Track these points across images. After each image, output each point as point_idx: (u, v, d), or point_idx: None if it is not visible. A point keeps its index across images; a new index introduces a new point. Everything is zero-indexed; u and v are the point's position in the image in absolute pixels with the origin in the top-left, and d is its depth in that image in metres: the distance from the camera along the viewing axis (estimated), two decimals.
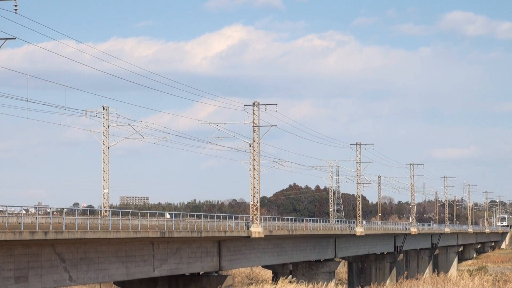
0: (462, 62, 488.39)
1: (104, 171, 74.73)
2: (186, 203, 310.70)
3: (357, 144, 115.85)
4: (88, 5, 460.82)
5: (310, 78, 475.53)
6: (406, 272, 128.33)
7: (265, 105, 79.01)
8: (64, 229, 51.98)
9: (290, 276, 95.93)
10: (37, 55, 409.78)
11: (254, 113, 78.77)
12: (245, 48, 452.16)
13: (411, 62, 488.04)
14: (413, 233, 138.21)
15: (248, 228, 77.68)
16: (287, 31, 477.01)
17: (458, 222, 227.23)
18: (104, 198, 74.44)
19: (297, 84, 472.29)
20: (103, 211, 69.93)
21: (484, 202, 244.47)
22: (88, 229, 54.29)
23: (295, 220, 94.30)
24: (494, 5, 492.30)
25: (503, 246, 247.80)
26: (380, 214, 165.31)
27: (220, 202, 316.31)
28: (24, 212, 74.50)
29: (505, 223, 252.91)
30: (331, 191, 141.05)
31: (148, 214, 66.18)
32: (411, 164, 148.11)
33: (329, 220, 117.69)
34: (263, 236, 78.08)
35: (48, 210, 68.75)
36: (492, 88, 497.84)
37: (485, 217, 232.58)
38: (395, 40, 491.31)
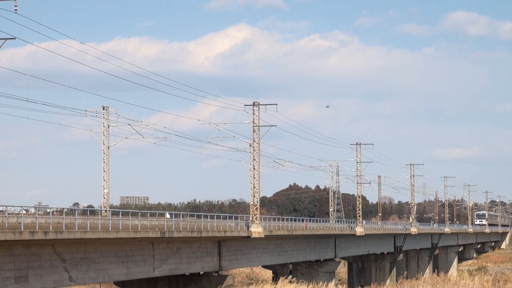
0: (464, 62, 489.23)
1: (104, 171, 74.72)
2: (186, 203, 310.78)
3: (357, 144, 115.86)
4: (91, 5, 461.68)
5: (312, 78, 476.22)
6: (406, 272, 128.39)
7: (265, 105, 79.03)
8: (64, 229, 51.97)
9: (290, 276, 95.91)
10: (39, 55, 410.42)
11: (254, 113, 78.78)
12: (248, 48, 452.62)
13: (413, 62, 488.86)
14: (413, 233, 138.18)
15: (248, 228, 77.67)
16: (290, 31, 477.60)
17: (458, 222, 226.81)
18: (104, 198, 74.43)
19: (299, 84, 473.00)
20: (103, 211, 69.93)
21: (484, 202, 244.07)
22: (88, 229, 54.28)
23: (295, 220, 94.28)
24: (497, 6, 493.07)
25: (503, 246, 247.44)
26: (380, 214, 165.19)
27: (220, 202, 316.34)
28: (24, 212, 74.49)
29: (484, 221, 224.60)
30: (331, 191, 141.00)
31: (148, 214, 66.18)
32: (411, 164, 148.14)
33: (329, 220, 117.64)
34: (263, 236, 78.07)
35: (48, 210, 68.78)
36: (495, 88, 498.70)
37: (485, 217, 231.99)
38: (398, 40, 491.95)
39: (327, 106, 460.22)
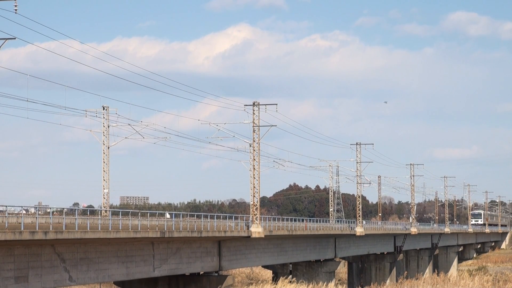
0: (465, 62, 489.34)
1: (104, 171, 74.71)
2: (186, 203, 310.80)
3: (357, 144, 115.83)
4: (92, 5, 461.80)
5: (313, 78, 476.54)
6: (406, 272, 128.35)
7: (265, 105, 79.02)
8: (64, 229, 51.97)
9: (290, 276, 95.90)
10: (39, 55, 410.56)
11: (254, 113, 78.77)
12: (248, 48, 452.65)
13: (414, 62, 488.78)
14: (413, 233, 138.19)
15: (248, 228, 77.67)
16: (291, 31, 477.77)
17: (458, 222, 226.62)
18: (104, 198, 74.42)
19: (300, 84, 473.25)
20: (103, 211, 69.92)
21: (484, 202, 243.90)
22: (88, 229, 54.27)
23: (295, 220, 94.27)
24: (497, 6, 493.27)
25: (503, 246, 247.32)
26: (380, 214, 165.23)
27: (220, 202, 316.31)
28: (24, 212, 74.53)
29: (480, 221, 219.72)
30: (331, 191, 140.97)
31: (148, 214, 66.16)
32: (411, 164, 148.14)
33: (329, 220, 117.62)
34: (263, 236, 78.07)
35: (48, 210, 68.78)
36: (495, 88, 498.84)
37: (486, 217, 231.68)
38: (398, 40, 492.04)
39: (385, 102, 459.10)
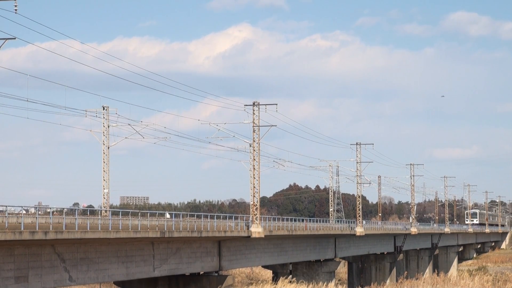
0: (465, 62, 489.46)
1: (104, 171, 74.70)
2: (186, 203, 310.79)
3: (357, 144, 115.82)
4: (92, 5, 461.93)
5: (313, 78, 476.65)
6: (406, 272, 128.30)
7: (265, 105, 79.01)
8: (64, 229, 51.96)
9: (290, 276, 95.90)
10: (39, 55, 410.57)
11: (254, 113, 78.77)
12: (249, 48, 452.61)
13: (414, 62, 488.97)
14: (413, 233, 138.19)
15: (248, 228, 77.66)
16: (291, 31, 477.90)
17: (458, 222, 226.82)
18: (104, 198, 74.41)
19: (300, 84, 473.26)
20: (103, 211, 69.92)
21: (484, 202, 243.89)
22: (88, 229, 54.27)
23: (295, 220, 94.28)
24: (497, 6, 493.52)
25: (503, 246, 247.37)
26: (380, 214, 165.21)
27: (220, 202, 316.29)
28: (24, 212, 74.50)
29: (476, 221, 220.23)
30: (331, 191, 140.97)
31: (148, 214, 66.16)
32: (411, 164, 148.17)
33: (329, 220, 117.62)
34: (263, 236, 78.07)
35: (48, 210, 68.81)
36: (495, 88, 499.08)
37: (485, 217, 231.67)
38: (399, 40, 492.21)
39: (442, 96, 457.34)
